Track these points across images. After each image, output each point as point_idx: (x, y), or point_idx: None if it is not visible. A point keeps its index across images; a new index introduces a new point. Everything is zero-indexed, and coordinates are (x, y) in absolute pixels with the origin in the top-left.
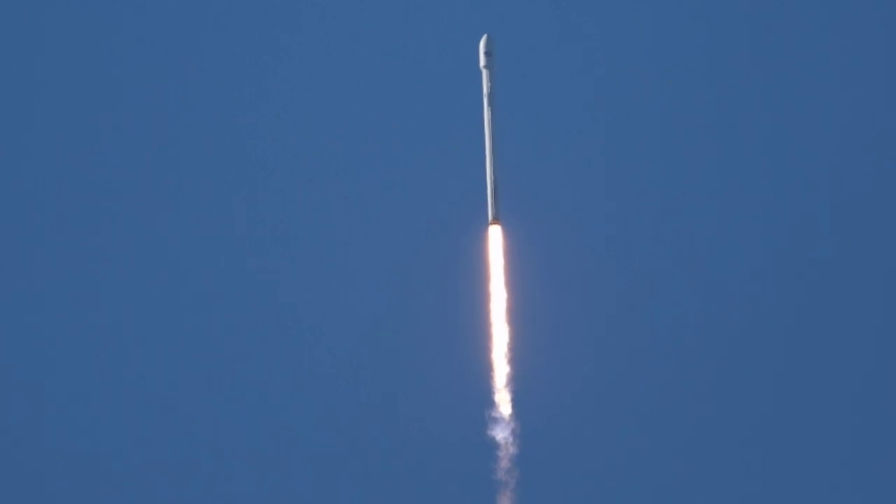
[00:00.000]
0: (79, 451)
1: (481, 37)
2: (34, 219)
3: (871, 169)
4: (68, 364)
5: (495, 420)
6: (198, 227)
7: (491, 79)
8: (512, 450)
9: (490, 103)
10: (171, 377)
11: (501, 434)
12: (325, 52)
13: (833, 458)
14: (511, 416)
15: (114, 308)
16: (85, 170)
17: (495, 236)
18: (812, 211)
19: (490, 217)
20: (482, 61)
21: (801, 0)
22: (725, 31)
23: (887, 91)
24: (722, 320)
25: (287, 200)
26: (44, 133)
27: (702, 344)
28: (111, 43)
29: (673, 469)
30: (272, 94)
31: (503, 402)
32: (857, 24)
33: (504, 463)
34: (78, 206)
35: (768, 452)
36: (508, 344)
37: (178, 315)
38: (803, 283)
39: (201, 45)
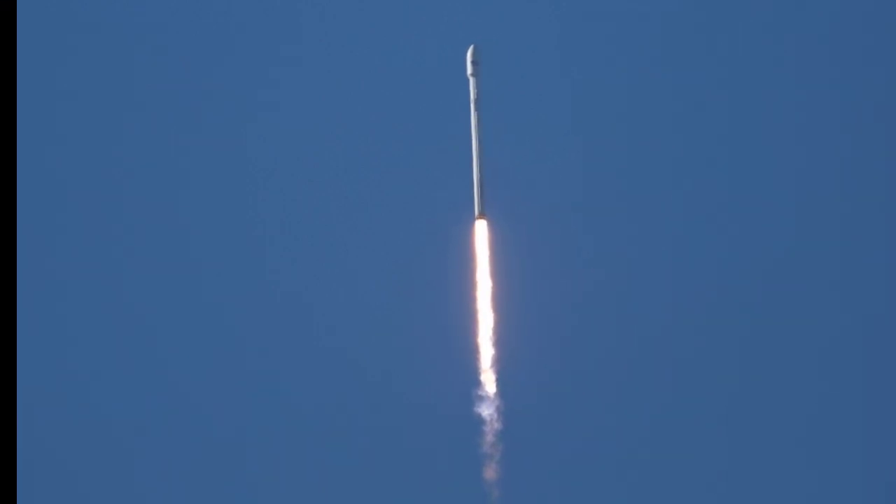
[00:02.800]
0: (80, 448)
1: (468, 47)
2: (34, 219)
3: (856, 170)
4: (69, 363)
5: (481, 398)
6: (194, 223)
7: (477, 85)
8: (496, 425)
9: (476, 108)
10: (165, 374)
11: (487, 411)
12: (323, 56)
13: (811, 449)
14: (496, 394)
15: (112, 307)
16: (84, 169)
17: (481, 230)
18: (798, 214)
19: (476, 212)
20: (469, 69)
21: (797, 4)
22: (709, 30)
23: (879, 92)
24: (697, 309)
25: (285, 199)
26: (44, 133)
27: (677, 331)
28: (111, 43)
29: (649, 444)
30: (269, 97)
31: (488, 381)
32: (858, 26)
33: (489, 437)
34: (77, 206)
35: (743, 420)
36: (493, 328)
37: (172, 312)
38: (779, 277)
39: (202, 45)
